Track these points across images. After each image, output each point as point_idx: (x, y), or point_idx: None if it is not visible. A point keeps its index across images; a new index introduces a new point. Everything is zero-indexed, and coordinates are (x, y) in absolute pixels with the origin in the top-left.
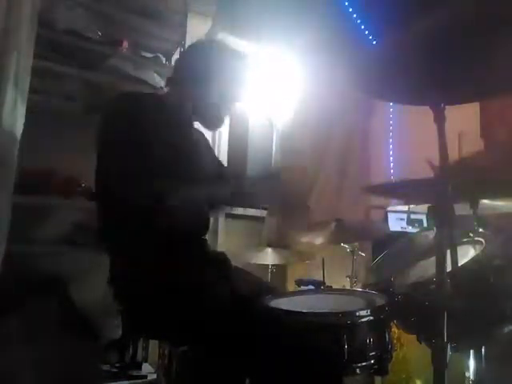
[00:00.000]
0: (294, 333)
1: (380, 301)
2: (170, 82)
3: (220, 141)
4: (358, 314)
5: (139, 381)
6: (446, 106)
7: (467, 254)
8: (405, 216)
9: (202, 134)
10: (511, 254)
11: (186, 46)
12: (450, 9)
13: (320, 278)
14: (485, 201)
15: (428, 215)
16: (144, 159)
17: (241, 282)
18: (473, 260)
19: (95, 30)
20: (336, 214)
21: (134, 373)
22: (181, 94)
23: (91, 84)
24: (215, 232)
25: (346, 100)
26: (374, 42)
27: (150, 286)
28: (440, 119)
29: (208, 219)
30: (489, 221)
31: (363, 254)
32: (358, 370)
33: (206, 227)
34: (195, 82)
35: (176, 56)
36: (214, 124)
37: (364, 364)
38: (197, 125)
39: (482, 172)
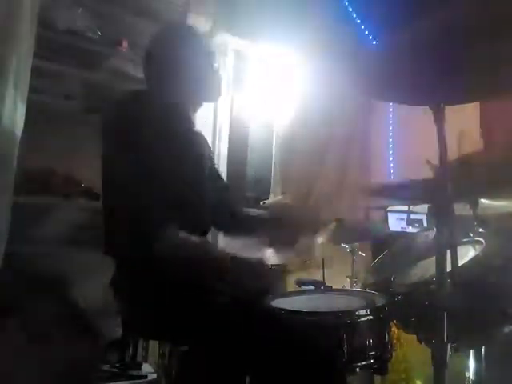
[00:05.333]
0: (294, 332)
1: (380, 301)
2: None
3: (220, 142)
4: (357, 313)
5: (139, 381)
6: (446, 106)
7: (467, 254)
8: (405, 216)
9: (204, 137)
10: (511, 254)
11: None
12: (451, 9)
13: (320, 278)
14: (485, 201)
15: (428, 215)
16: (149, 163)
17: (241, 281)
18: (473, 260)
19: (95, 29)
20: (336, 214)
21: (134, 373)
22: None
23: (91, 84)
24: (215, 232)
25: (346, 100)
26: (374, 42)
27: (150, 285)
28: (440, 119)
29: (209, 221)
30: (489, 221)
31: (363, 254)
32: (357, 370)
33: (207, 228)
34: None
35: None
36: None
37: (364, 363)
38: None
39: (482, 172)
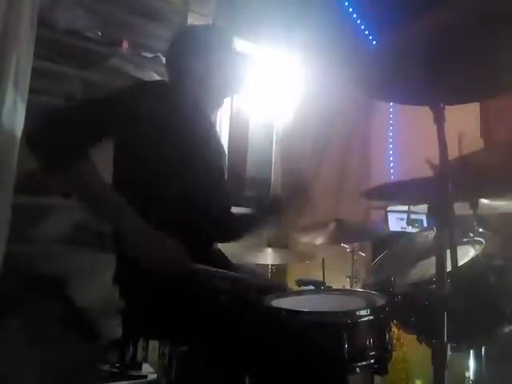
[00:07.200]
0: (294, 332)
1: (380, 301)
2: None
3: None
4: (358, 313)
5: (139, 381)
6: (446, 106)
7: (467, 254)
8: (405, 216)
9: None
10: (511, 254)
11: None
12: (450, 9)
13: (320, 278)
14: (485, 201)
15: (428, 215)
16: (160, 155)
17: (242, 281)
18: (473, 260)
19: (95, 29)
20: (336, 214)
21: (134, 373)
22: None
23: (91, 84)
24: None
25: (346, 100)
26: (374, 42)
27: (151, 285)
28: (440, 119)
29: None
30: (489, 221)
31: (363, 254)
32: (357, 370)
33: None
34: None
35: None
36: None
37: (364, 363)
38: None
39: (482, 172)
